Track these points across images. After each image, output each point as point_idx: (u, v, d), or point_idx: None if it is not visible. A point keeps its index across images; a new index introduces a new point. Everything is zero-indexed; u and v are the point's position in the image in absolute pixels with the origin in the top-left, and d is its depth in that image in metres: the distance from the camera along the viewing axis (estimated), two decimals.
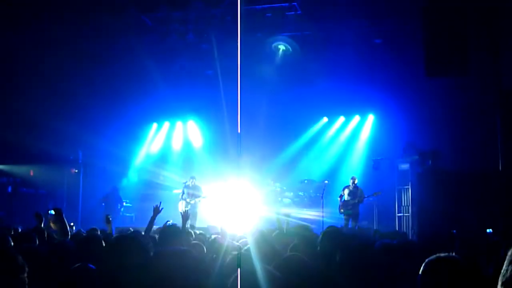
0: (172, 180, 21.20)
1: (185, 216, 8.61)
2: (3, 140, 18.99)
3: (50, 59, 18.46)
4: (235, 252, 5.47)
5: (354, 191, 17.81)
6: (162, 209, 8.58)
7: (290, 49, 19.58)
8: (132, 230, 10.25)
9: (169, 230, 6.89)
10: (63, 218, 7.94)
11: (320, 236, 6.55)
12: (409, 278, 4.38)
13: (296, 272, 4.48)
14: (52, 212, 8.27)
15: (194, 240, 8.03)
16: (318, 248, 6.23)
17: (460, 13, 13.10)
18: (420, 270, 3.48)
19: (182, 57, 20.70)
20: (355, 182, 17.96)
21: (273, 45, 19.58)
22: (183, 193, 18.12)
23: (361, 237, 8.87)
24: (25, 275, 3.80)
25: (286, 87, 20.63)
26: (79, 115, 20.57)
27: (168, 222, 8.85)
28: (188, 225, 10.69)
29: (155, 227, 9.36)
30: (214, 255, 6.56)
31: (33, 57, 18.58)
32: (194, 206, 17.84)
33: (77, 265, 4.65)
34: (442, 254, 3.42)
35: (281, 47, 19.66)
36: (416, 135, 18.89)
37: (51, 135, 19.86)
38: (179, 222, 8.53)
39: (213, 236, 9.01)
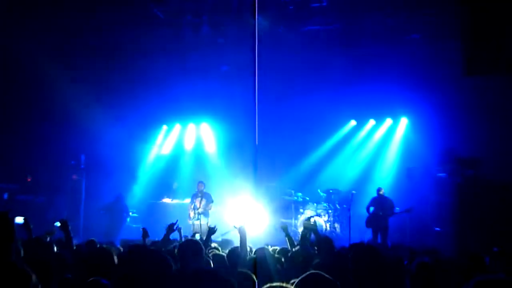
0: (183, 188, 21.19)
1: (212, 231, 9.17)
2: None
3: (49, 56, 18.56)
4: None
5: (383, 203, 17.64)
6: (177, 227, 9.07)
7: None
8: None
9: (190, 247, 6.99)
10: (68, 230, 8.34)
11: (351, 253, 6.41)
12: None
13: None
14: (58, 224, 8.54)
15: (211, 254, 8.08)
16: (349, 266, 6.11)
17: (504, 7, 12.91)
18: None
19: (195, 52, 20.64)
20: (381, 193, 17.82)
21: None
22: (192, 202, 18.11)
23: (393, 255, 8.74)
24: None
25: (310, 87, 20.55)
26: (82, 116, 20.58)
27: (193, 236, 9.16)
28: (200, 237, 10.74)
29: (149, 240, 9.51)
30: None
31: (32, 56, 18.70)
32: (204, 215, 17.75)
33: (90, 279, 4.81)
34: (491, 275, 3.29)
35: None
36: (455, 141, 18.66)
37: (50, 138, 19.93)
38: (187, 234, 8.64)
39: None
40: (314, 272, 4.51)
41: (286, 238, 9.71)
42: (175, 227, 9.07)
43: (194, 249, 6.84)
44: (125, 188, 21.96)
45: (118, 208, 20.39)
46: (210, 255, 8.00)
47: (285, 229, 9.88)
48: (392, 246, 13.97)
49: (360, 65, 19.86)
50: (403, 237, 18.52)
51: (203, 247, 7.08)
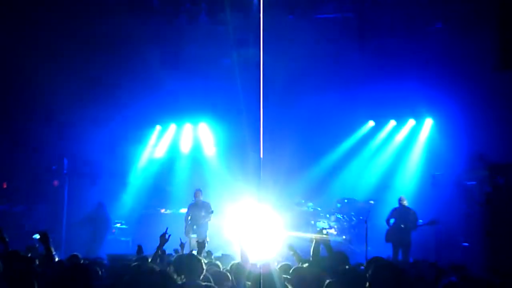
0: (178, 197, 21.19)
1: (202, 245, 9.08)
2: None
3: (26, 47, 18.57)
4: None
5: (405, 214, 17.59)
6: (169, 236, 9.05)
7: None
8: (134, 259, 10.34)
9: (186, 261, 7.06)
10: (49, 244, 8.29)
11: (370, 270, 6.36)
12: None
13: None
14: (37, 236, 8.65)
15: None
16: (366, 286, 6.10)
17: None
18: None
19: (193, 43, 20.67)
20: (405, 203, 17.78)
21: None
22: (188, 212, 18.10)
23: (417, 272, 8.74)
24: None
25: (322, 83, 20.53)
26: (65, 116, 20.66)
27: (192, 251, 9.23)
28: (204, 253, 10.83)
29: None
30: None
31: (5, 48, 18.73)
32: (201, 229, 17.74)
33: None
34: None
35: None
36: (485, 145, 18.55)
37: (29, 140, 19.95)
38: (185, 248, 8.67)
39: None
40: None
41: (294, 257, 9.73)
42: (167, 236, 9.08)
43: (190, 265, 6.83)
44: (113, 196, 21.94)
45: (99, 218, 20.40)
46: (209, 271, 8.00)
47: (291, 248, 9.97)
48: (415, 263, 13.92)
49: (378, 59, 19.86)
50: (427, 253, 18.42)
51: (201, 260, 7.08)
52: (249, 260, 8.18)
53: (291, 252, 9.88)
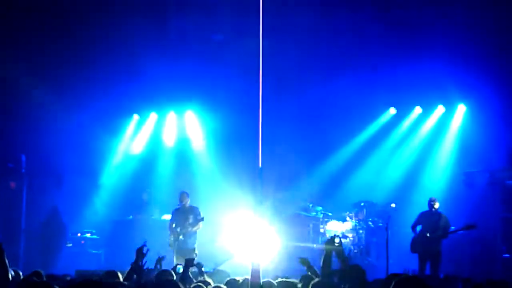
0: (161, 200, 21.11)
1: (188, 263, 9.54)
2: None
3: None
4: None
5: (435, 220, 17.45)
6: (148, 250, 9.21)
7: None
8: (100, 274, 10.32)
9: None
10: (3, 258, 8.05)
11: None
12: None
13: None
14: None
15: None
16: None
17: None
18: None
19: (178, 16, 20.56)
20: (436, 207, 17.64)
21: None
22: (173, 220, 17.99)
23: None
24: None
25: (333, 64, 20.45)
26: (23, 105, 20.51)
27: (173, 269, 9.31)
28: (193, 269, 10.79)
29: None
30: None
31: None
32: (188, 240, 17.64)
33: None
34: None
35: None
36: None
37: None
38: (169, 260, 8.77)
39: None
40: None
41: (309, 271, 9.61)
42: (145, 250, 9.05)
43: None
44: (82, 199, 21.93)
45: (53, 226, 20.37)
46: None
47: (305, 263, 9.91)
48: (445, 279, 13.83)
49: (401, 35, 19.80)
50: (459, 266, 18.47)
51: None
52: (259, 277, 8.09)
53: (305, 267, 9.80)
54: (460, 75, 19.90)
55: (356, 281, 7.94)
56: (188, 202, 18.02)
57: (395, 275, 8.45)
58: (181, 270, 10.52)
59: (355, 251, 19.60)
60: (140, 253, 9.17)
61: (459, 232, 17.65)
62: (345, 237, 19.54)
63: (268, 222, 18.66)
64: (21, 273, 10.01)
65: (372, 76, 20.63)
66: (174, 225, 17.80)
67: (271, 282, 8.08)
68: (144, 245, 9.29)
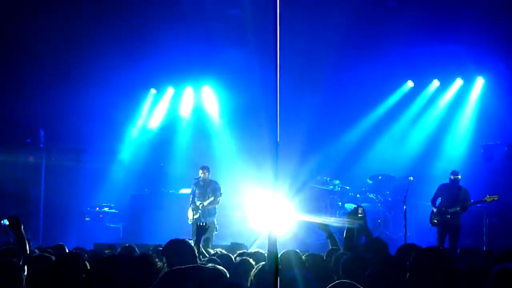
0: (178, 174, 21.21)
1: (202, 230, 9.36)
2: None
3: None
4: None
5: (455, 193, 17.35)
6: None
7: None
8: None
9: (175, 248, 7.06)
10: (21, 230, 8.26)
11: (409, 260, 6.19)
12: None
13: None
14: (6, 222, 8.53)
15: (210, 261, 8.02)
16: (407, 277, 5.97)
17: None
18: None
19: None
20: (458, 179, 17.59)
21: None
22: (193, 194, 17.93)
23: (467, 263, 8.64)
24: None
25: (350, 38, 20.32)
26: (41, 79, 20.52)
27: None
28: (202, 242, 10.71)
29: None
30: None
31: None
32: (208, 213, 17.65)
33: None
34: None
35: None
36: None
37: None
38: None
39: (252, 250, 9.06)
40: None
41: (328, 241, 9.59)
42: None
43: (182, 251, 6.77)
44: (101, 174, 21.97)
45: None
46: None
47: (326, 229, 9.84)
48: (463, 251, 13.79)
49: (419, 9, 19.75)
50: (478, 240, 18.43)
51: (194, 249, 7.03)
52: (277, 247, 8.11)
53: (326, 234, 9.78)
54: (479, 46, 19.79)
55: (381, 254, 7.92)
56: (208, 176, 18.00)
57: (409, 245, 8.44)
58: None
59: (379, 221, 19.64)
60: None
61: (479, 204, 17.63)
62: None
63: (285, 196, 18.73)
64: (66, 247, 10.09)
65: (390, 49, 20.51)
66: (193, 199, 17.78)
67: (290, 252, 8.09)
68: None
